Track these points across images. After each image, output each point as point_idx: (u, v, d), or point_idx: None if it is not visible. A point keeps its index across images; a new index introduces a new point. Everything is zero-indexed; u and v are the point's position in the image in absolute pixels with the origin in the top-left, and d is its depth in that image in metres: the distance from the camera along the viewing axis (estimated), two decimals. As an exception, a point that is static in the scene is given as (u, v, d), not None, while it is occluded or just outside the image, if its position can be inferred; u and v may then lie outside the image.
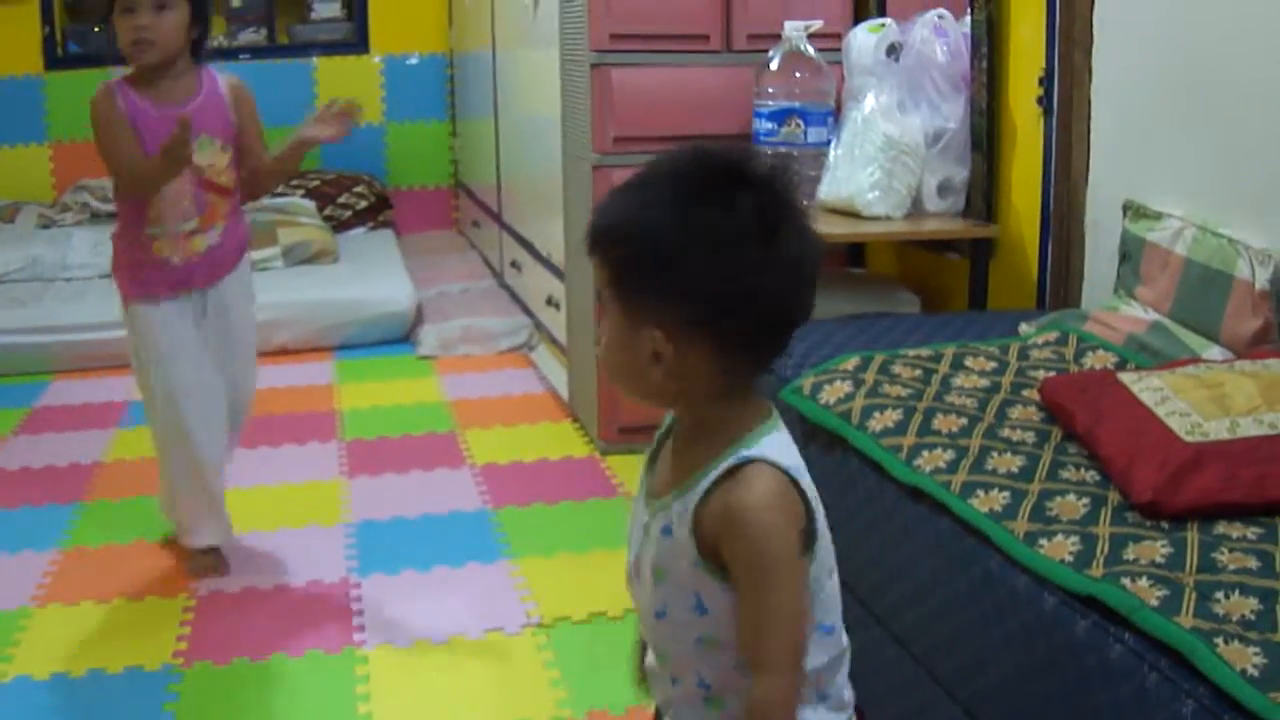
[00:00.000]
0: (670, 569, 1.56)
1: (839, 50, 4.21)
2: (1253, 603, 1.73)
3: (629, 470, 4.31)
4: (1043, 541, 2.00)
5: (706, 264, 1.46)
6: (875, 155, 3.73)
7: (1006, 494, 2.18)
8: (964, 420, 2.49)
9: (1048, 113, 3.57)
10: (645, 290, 1.49)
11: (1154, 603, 1.76)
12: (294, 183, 7.49)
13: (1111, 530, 2.01)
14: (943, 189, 3.87)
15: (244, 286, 3.60)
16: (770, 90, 4.08)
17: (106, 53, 7.88)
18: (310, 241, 6.76)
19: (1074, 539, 1.99)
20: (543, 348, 5.72)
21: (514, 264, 6.29)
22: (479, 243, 7.61)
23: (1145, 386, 2.37)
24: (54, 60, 7.94)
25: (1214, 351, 2.78)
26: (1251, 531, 1.97)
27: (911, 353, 2.84)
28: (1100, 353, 2.83)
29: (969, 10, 3.82)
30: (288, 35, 8.03)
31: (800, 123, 4.05)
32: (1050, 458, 2.31)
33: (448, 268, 7.21)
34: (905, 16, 4.04)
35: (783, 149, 4.07)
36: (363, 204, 7.83)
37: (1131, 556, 1.91)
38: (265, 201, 6.49)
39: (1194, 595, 1.76)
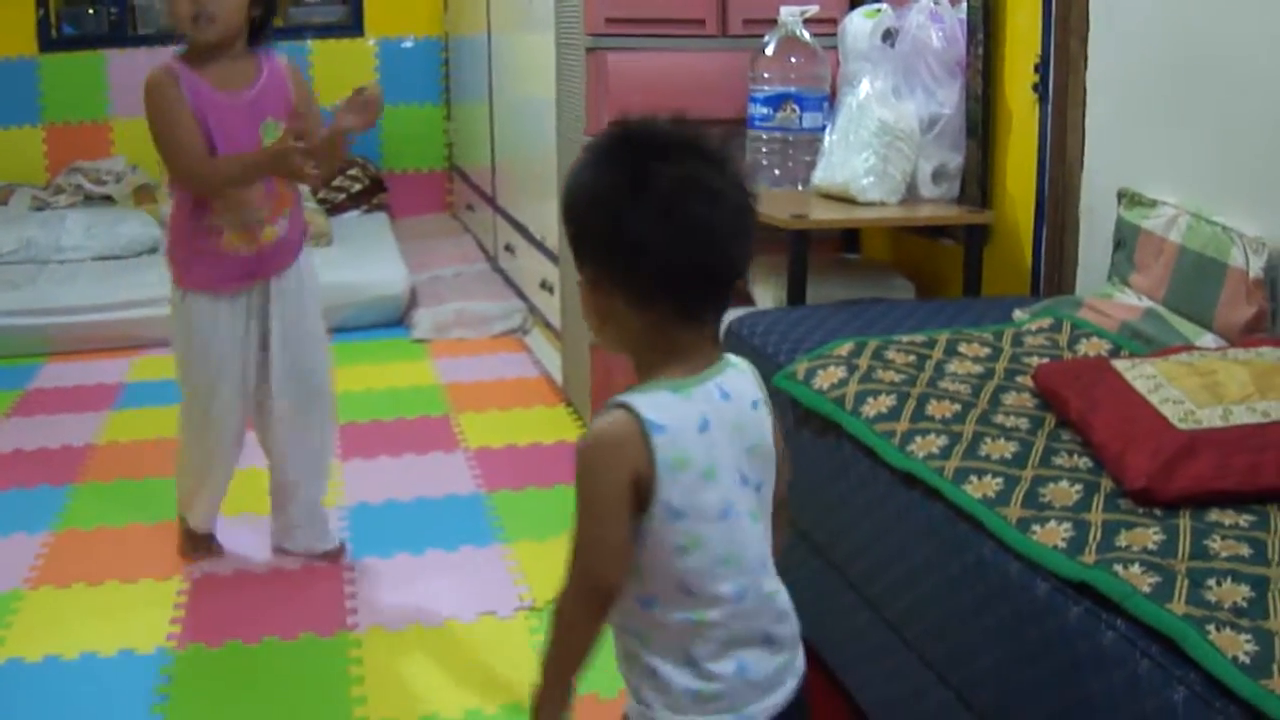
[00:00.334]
0: None
1: (834, 35, 4.20)
2: (1244, 590, 1.73)
3: (622, 455, 4.30)
4: (1035, 528, 2.00)
5: (603, 222, 1.64)
6: (870, 141, 3.72)
7: (999, 480, 2.18)
8: (957, 406, 2.49)
9: (1043, 99, 3.57)
10: (575, 250, 1.70)
11: (1146, 589, 1.76)
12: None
13: (1104, 517, 2.01)
14: (938, 175, 3.87)
15: (309, 270, 3.50)
16: (765, 75, 4.07)
17: (100, 34, 7.92)
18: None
19: (1066, 525, 1.99)
20: (536, 332, 5.72)
21: (508, 247, 6.29)
22: (473, 226, 7.61)
23: (1139, 374, 2.37)
24: (48, 42, 7.94)
25: (1207, 339, 2.78)
26: (1244, 519, 1.97)
27: (905, 339, 2.84)
28: (1094, 340, 2.83)
29: (965, -4, 3.83)
30: (282, 18, 8.01)
31: (795, 108, 4.05)
32: (1043, 444, 2.31)
33: (442, 251, 7.21)
34: (901, 2, 4.03)
35: (778, 134, 4.07)
36: (357, 187, 7.83)
37: (1124, 543, 1.91)
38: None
39: (1186, 582, 1.76)
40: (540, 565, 3.53)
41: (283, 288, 3.39)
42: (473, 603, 3.34)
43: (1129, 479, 2.09)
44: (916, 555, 2.25)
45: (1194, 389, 2.27)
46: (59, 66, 7.97)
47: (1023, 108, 3.67)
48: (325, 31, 8.03)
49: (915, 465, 2.31)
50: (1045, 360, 2.70)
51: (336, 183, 7.72)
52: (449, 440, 4.57)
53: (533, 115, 5.30)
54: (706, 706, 1.68)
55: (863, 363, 2.71)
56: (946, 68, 3.86)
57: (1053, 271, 3.56)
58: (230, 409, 3.42)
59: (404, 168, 8.40)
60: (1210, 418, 2.18)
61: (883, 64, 3.91)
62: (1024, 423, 2.41)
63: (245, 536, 3.70)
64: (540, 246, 5.38)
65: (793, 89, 4.05)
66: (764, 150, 4.10)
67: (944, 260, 4.04)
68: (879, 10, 4.03)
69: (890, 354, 2.75)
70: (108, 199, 7.57)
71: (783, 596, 1.75)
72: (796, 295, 3.58)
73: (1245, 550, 1.85)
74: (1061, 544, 1.94)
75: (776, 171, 4.09)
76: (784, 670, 1.73)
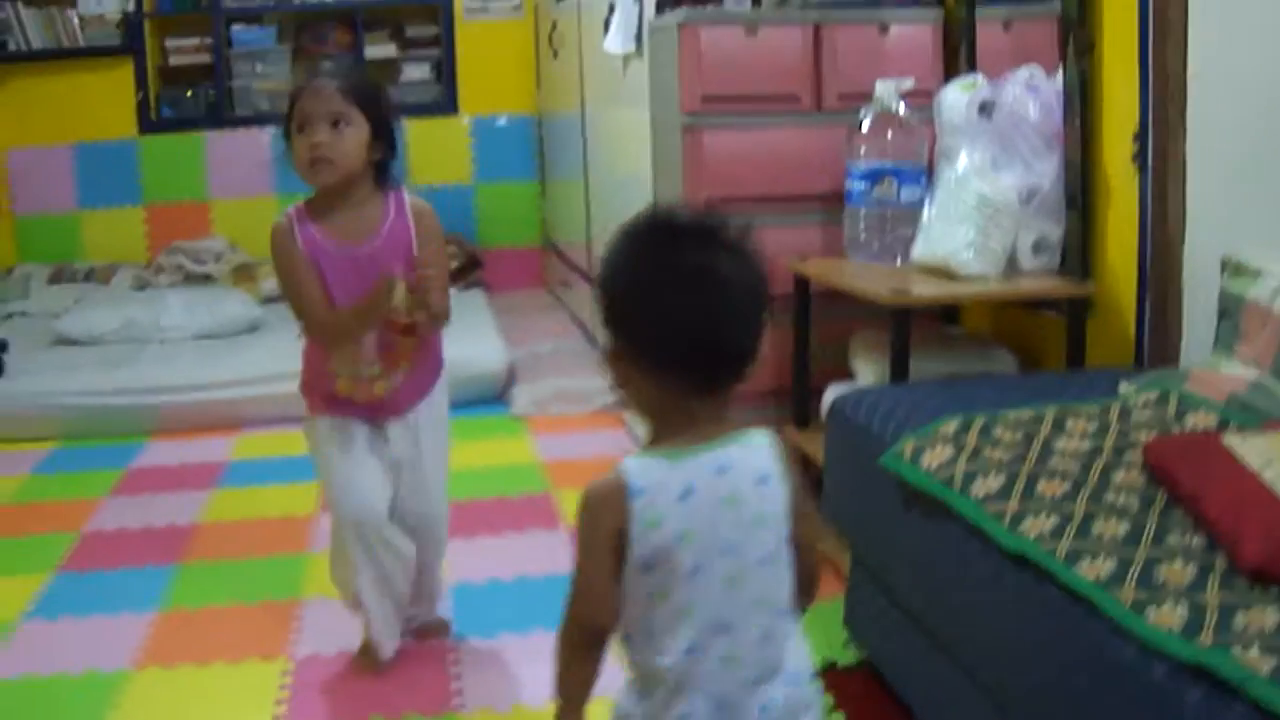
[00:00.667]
0: None
1: (930, 108, 4.20)
2: (1368, 672, 1.71)
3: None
4: (1150, 609, 1.98)
5: (621, 300, 1.85)
6: (970, 214, 3.71)
7: (1113, 561, 2.15)
8: (1067, 484, 2.47)
9: (1142, 169, 3.54)
10: (604, 321, 1.89)
11: (1265, 672, 1.73)
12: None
13: (1220, 598, 1.99)
14: (1038, 247, 3.85)
15: (433, 416, 3.46)
16: (863, 150, 4.08)
17: (198, 116, 8.06)
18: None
19: (1182, 607, 1.97)
20: (635, 407, 5.71)
21: (605, 323, 6.30)
22: (569, 302, 7.64)
23: (1249, 449, 2.35)
24: (148, 124, 8.12)
25: (1317, 411, 2.75)
26: (1364, 598, 1.94)
27: (1012, 415, 2.82)
28: (1201, 412, 2.80)
29: (1061, 67, 3.81)
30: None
31: (894, 182, 4.05)
32: (1156, 523, 2.29)
33: (539, 327, 7.23)
34: (996, 74, 4.03)
35: (876, 209, 4.07)
36: (453, 264, 7.89)
37: (1241, 625, 1.89)
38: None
39: (1307, 665, 1.74)
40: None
41: (406, 424, 3.37)
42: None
43: (1243, 558, 2.06)
44: (1029, 638, 2.23)
45: (1307, 464, 2.24)
46: (159, 148, 8.14)
47: (1122, 178, 3.65)
48: (420, 110, 8.11)
49: (1027, 546, 2.28)
50: (1153, 435, 2.67)
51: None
52: (549, 518, 4.57)
53: (628, 191, 5.32)
54: None
55: (970, 441, 2.70)
56: (1044, 139, 3.85)
57: (1157, 342, 3.53)
58: (365, 519, 3.29)
59: (499, 244, 8.47)
60: (1324, 494, 2.15)
61: (980, 137, 3.90)
62: (1135, 500, 2.38)
63: (347, 616, 3.71)
64: (637, 322, 5.38)
65: (890, 163, 4.06)
66: (862, 225, 4.10)
67: (1046, 332, 4.02)
68: (974, 83, 4.03)
69: (997, 431, 2.73)
70: (208, 278, 7.68)
71: (755, 670, 1.87)
72: (899, 371, 3.56)
73: (1367, 631, 1.82)
74: (1177, 626, 1.91)
75: (875, 246, 4.09)
76: None
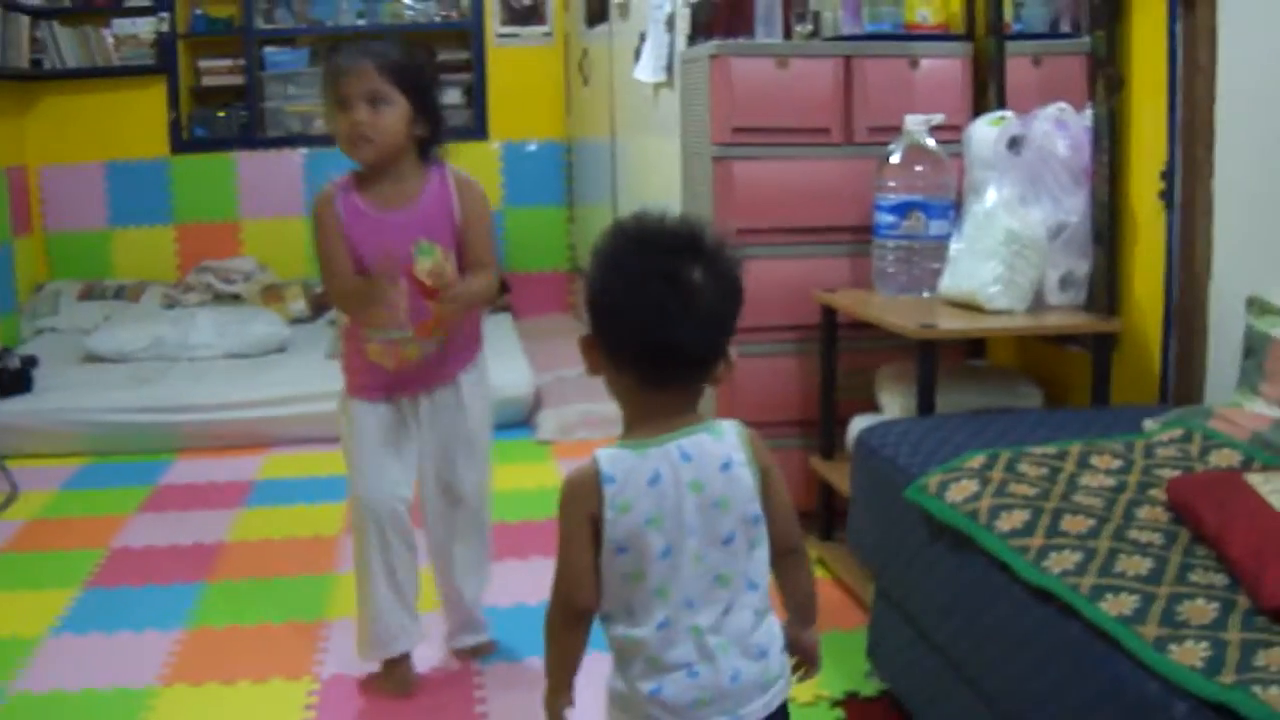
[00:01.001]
0: None
1: (959, 143, 4.22)
2: (1389, 714, 1.72)
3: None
4: (1173, 647, 1.99)
5: (590, 296, 1.97)
6: (997, 249, 3.73)
7: (1136, 597, 2.17)
8: (1091, 521, 2.48)
9: (1169, 207, 3.56)
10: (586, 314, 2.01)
11: (1287, 712, 1.75)
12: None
13: (1242, 636, 2.00)
14: (1065, 282, 3.86)
15: (472, 390, 3.46)
16: (891, 183, 4.10)
17: (230, 136, 8.12)
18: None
19: (1204, 644, 1.98)
20: (659, 433, 5.72)
21: (631, 349, 6.31)
22: (595, 327, 7.65)
23: (1272, 488, 2.36)
24: (179, 144, 8.18)
25: (1340, 450, 2.76)
26: (1386, 639, 1.95)
27: (1038, 450, 2.83)
28: (1225, 450, 2.81)
29: (1090, 104, 3.83)
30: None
31: (922, 216, 4.07)
32: (1179, 560, 2.30)
33: (565, 352, 7.22)
34: (1025, 109, 4.05)
35: (904, 242, 4.09)
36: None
37: (1263, 663, 1.90)
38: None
39: (1329, 705, 1.75)
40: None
41: (436, 403, 3.41)
42: (605, 711, 3.34)
43: (1266, 597, 2.08)
44: (1052, 673, 2.24)
45: (1329, 504, 2.25)
46: (190, 168, 8.20)
47: (1149, 215, 3.67)
48: (450, 135, 8.13)
49: (1051, 582, 2.30)
50: (1177, 472, 2.68)
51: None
52: (574, 542, 4.57)
53: (658, 219, 5.33)
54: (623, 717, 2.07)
55: (995, 476, 2.71)
56: (1072, 175, 3.87)
57: (1182, 379, 3.54)
58: (381, 507, 3.34)
59: (527, 269, 8.50)
60: (1348, 535, 2.17)
61: (1009, 172, 3.92)
62: (1158, 538, 2.40)
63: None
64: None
65: (918, 197, 4.08)
66: (890, 258, 4.12)
67: (1071, 367, 4.03)
68: (1004, 118, 4.05)
69: (1022, 466, 2.75)
70: (236, 298, 7.73)
71: (717, 640, 1.99)
72: (925, 404, 3.58)
73: (1389, 672, 1.84)
74: (1200, 664, 1.93)
75: (903, 279, 4.11)
76: (708, 705, 1.99)
